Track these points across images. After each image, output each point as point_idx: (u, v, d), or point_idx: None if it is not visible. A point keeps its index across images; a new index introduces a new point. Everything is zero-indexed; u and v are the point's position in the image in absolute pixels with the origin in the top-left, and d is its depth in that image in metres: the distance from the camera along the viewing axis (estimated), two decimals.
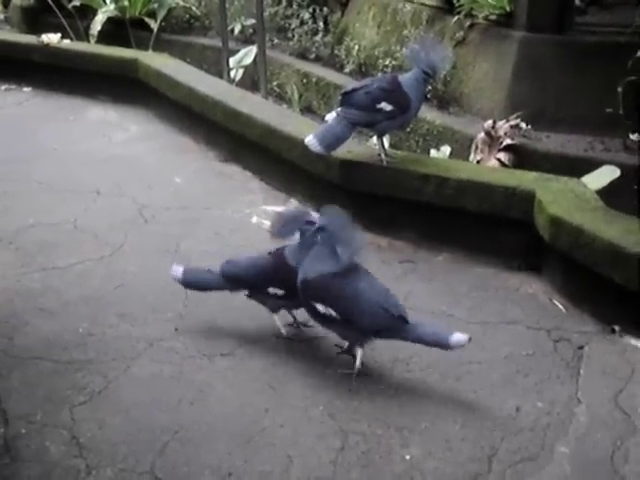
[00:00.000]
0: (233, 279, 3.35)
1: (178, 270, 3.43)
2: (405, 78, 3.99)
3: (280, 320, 3.35)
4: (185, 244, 4.13)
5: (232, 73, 6.39)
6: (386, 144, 4.44)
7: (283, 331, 3.35)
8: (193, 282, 3.46)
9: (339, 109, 4.03)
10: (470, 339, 2.96)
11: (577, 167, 4.34)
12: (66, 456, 2.74)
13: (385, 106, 3.96)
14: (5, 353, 3.26)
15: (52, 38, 6.72)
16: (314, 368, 3.17)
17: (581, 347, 3.29)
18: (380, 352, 3.24)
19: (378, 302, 3.02)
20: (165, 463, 2.71)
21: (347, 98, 4.02)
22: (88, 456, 2.73)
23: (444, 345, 2.99)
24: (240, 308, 3.49)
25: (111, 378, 3.12)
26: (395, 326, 3.02)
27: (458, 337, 2.96)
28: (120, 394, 3.04)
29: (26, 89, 6.73)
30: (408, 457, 2.74)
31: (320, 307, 3.04)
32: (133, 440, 2.81)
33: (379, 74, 5.67)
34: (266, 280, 3.26)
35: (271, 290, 3.26)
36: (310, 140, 4.02)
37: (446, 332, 3.00)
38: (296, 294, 3.13)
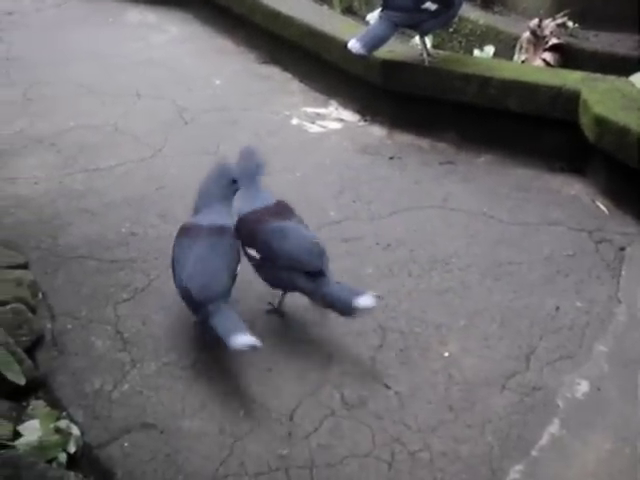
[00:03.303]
0: None
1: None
2: None
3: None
4: (224, 146, 4.13)
5: None
6: (428, 44, 4.34)
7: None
8: None
9: (382, 12, 3.93)
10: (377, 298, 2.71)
11: (626, 66, 4.21)
12: (111, 350, 2.81)
13: (430, 5, 3.87)
14: (50, 252, 3.32)
15: None
16: (352, 267, 3.19)
17: (623, 248, 3.26)
18: (418, 252, 3.25)
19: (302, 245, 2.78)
20: (207, 358, 2.77)
21: (391, 1, 3.91)
22: (132, 350, 2.80)
23: (348, 308, 2.68)
24: None
25: (153, 276, 3.17)
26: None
27: (365, 300, 2.66)
28: (162, 292, 3.09)
29: None
30: (446, 354, 2.77)
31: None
32: (176, 336, 2.88)
33: None
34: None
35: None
36: (353, 44, 3.93)
37: (354, 294, 2.67)
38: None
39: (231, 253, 2.79)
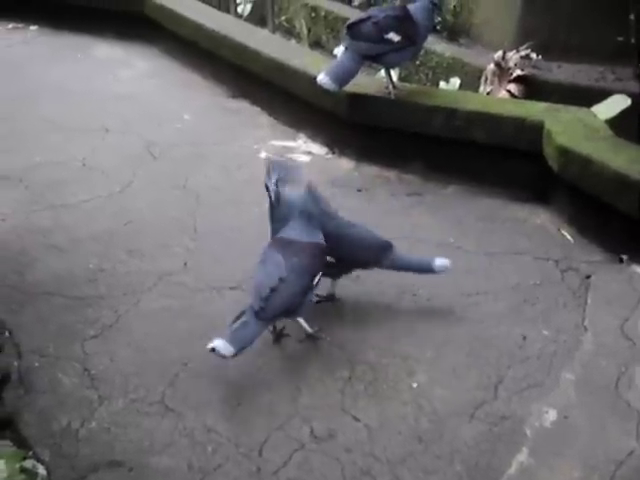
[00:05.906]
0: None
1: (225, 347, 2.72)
2: (414, 7, 3.94)
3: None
4: (193, 180, 4.13)
5: (240, 8, 6.34)
6: (394, 77, 4.39)
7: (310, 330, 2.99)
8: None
9: (347, 42, 3.97)
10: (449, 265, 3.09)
11: (588, 97, 4.28)
12: (79, 387, 2.79)
13: (393, 36, 3.91)
14: (16, 289, 3.29)
15: None
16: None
17: (588, 276, 3.30)
18: (387, 284, 3.26)
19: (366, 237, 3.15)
20: (175, 394, 2.75)
21: (354, 30, 3.96)
22: (100, 387, 2.78)
23: (428, 269, 3.11)
24: (247, 242, 3.51)
25: (121, 312, 3.16)
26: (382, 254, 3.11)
27: (441, 261, 3.10)
28: (130, 328, 3.08)
29: (32, 27, 6.66)
30: (415, 385, 2.78)
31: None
32: (144, 372, 2.86)
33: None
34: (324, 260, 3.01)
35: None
36: (322, 79, 3.96)
37: (429, 258, 3.13)
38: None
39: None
